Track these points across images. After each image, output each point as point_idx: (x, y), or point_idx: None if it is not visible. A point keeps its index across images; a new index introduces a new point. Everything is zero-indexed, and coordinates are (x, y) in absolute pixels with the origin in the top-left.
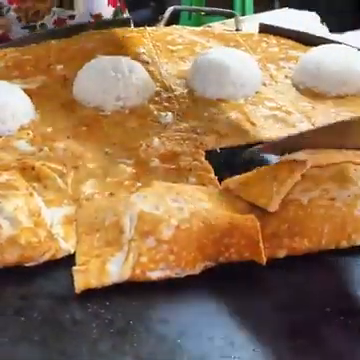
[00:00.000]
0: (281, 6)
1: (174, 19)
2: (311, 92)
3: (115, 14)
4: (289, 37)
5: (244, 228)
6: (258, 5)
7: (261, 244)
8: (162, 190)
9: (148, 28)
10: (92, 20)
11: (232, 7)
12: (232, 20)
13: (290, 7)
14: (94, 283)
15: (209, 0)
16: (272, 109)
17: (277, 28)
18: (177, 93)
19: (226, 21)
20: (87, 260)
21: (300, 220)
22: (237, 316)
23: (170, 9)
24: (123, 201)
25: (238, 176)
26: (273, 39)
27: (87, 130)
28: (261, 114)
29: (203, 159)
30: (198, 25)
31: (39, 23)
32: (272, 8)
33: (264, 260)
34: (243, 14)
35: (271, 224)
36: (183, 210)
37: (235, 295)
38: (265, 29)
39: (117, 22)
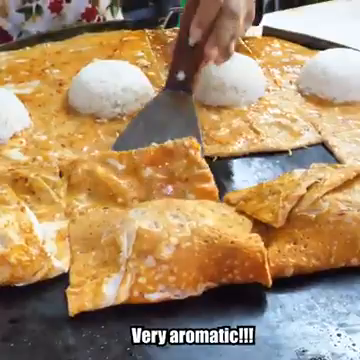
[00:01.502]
0: (281, 7)
1: (173, 20)
2: (317, 98)
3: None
4: (294, 40)
5: (248, 250)
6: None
7: (267, 266)
8: (161, 205)
9: (147, 30)
10: (89, 5)
11: None
12: None
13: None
14: (89, 306)
15: None
16: (276, 116)
17: (281, 31)
18: None
19: None
20: (82, 281)
21: (307, 236)
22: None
23: (171, 11)
24: (120, 217)
25: (240, 190)
26: (277, 43)
27: (83, 138)
28: (265, 121)
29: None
30: None
31: (35, 4)
32: (272, 10)
33: (270, 283)
34: None
35: (277, 241)
36: (184, 227)
37: (240, 319)
38: (269, 32)
39: (114, 24)
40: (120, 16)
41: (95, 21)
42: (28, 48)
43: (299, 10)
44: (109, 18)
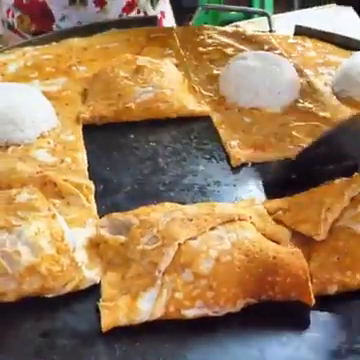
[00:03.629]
0: (300, 7)
1: (192, 13)
2: (354, 102)
3: None
4: (326, 40)
5: (290, 266)
6: (277, 5)
7: (309, 284)
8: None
9: (175, 27)
10: None
11: (250, 6)
12: (260, 19)
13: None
14: (123, 321)
15: None
16: (311, 120)
17: (314, 30)
18: (207, 100)
19: (254, 20)
20: (115, 294)
21: (352, 250)
22: None
23: (200, 8)
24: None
25: (279, 200)
26: (309, 42)
27: None
28: (299, 125)
29: None
30: (215, 20)
31: None
32: (292, 8)
33: (313, 302)
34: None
35: (319, 255)
36: (223, 240)
37: (281, 339)
38: (301, 31)
39: (142, 20)
40: (162, 8)
41: (134, 13)
42: (54, 43)
43: (327, 8)
44: (150, 11)
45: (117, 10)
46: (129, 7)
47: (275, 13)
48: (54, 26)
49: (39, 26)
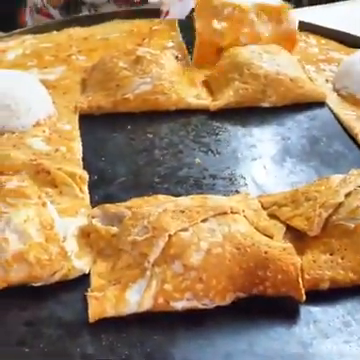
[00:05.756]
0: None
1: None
2: (354, 99)
3: None
4: (329, 37)
5: (282, 262)
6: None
7: (300, 280)
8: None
9: (178, 19)
10: None
11: None
12: None
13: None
14: (111, 312)
15: None
16: None
17: (317, 27)
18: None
19: None
20: (104, 285)
21: (345, 247)
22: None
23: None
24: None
25: (273, 194)
26: (312, 39)
27: None
28: None
29: None
30: None
31: None
32: (301, 4)
33: (303, 298)
34: None
35: (312, 251)
36: (215, 232)
37: (270, 333)
38: (304, 27)
39: (146, 12)
40: None
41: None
42: (55, 32)
43: (331, 6)
44: None
45: None
46: None
47: None
48: None
49: None
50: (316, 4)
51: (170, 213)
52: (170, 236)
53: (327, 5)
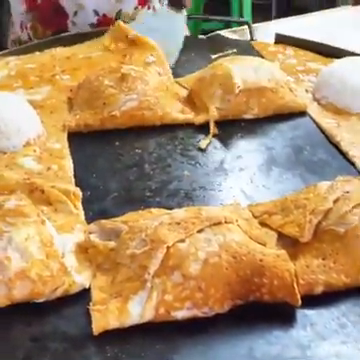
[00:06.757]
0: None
1: None
2: (334, 108)
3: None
4: (306, 48)
5: (277, 269)
6: (256, 14)
7: (295, 285)
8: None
9: None
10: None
11: (229, 15)
12: (241, 28)
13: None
14: (114, 324)
15: (205, 7)
16: None
17: (294, 38)
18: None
19: (235, 29)
20: (105, 298)
21: (336, 252)
22: None
23: None
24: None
25: (263, 203)
26: (290, 50)
27: None
28: None
29: None
30: (195, 29)
31: None
32: (270, 17)
33: (299, 302)
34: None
35: (304, 257)
36: (211, 242)
37: (268, 338)
38: (281, 39)
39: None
40: None
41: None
42: (37, 53)
43: (307, 17)
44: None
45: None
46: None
47: (253, 22)
48: (69, 22)
49: (53, 27)
50: (284, 17)
51: (166, 225)
52: (168, 248)
53: (300, 16)
